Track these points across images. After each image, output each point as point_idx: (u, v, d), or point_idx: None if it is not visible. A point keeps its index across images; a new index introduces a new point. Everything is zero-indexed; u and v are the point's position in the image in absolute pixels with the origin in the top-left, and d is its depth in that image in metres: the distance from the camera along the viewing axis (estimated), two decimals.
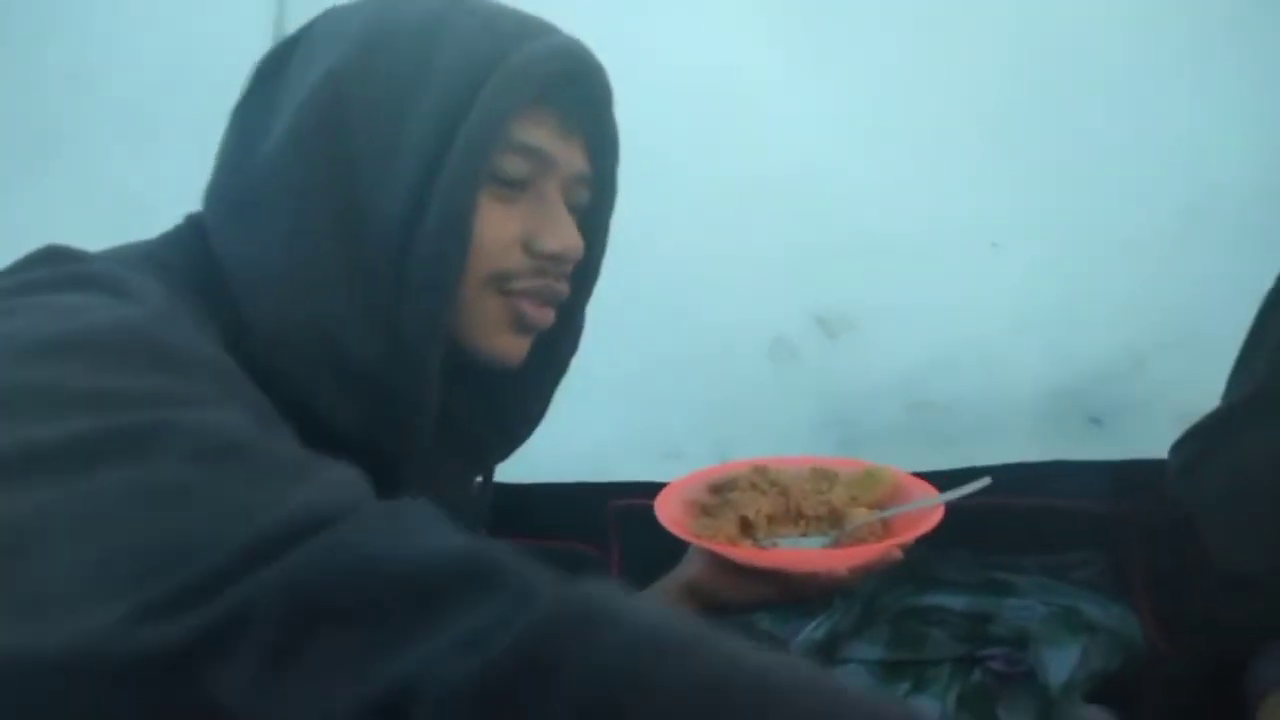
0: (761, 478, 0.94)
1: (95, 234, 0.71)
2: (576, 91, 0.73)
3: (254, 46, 0.76)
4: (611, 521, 1.51)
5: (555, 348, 0.81)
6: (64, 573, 0.43)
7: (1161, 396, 1.43)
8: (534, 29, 0.72)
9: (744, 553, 0.84)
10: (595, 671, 0.40)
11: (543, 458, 0.88)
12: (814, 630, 1.48)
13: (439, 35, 0.69)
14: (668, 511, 0.89)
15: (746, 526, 0.88)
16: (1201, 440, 1.04)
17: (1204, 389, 1.10)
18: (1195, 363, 1.39)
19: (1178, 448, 1.07)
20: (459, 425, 0.77)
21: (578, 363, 0.85)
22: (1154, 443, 1.31)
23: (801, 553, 0.85)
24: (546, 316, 0.75)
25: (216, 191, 0.72)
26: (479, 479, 0.86)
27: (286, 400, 0.66)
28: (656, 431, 1.51)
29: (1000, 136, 1.46)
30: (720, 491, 0.94)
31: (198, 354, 0.56)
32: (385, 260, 0.67)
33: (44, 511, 0.45)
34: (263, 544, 0.44)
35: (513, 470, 0.85)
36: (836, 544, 0.86)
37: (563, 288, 0.76)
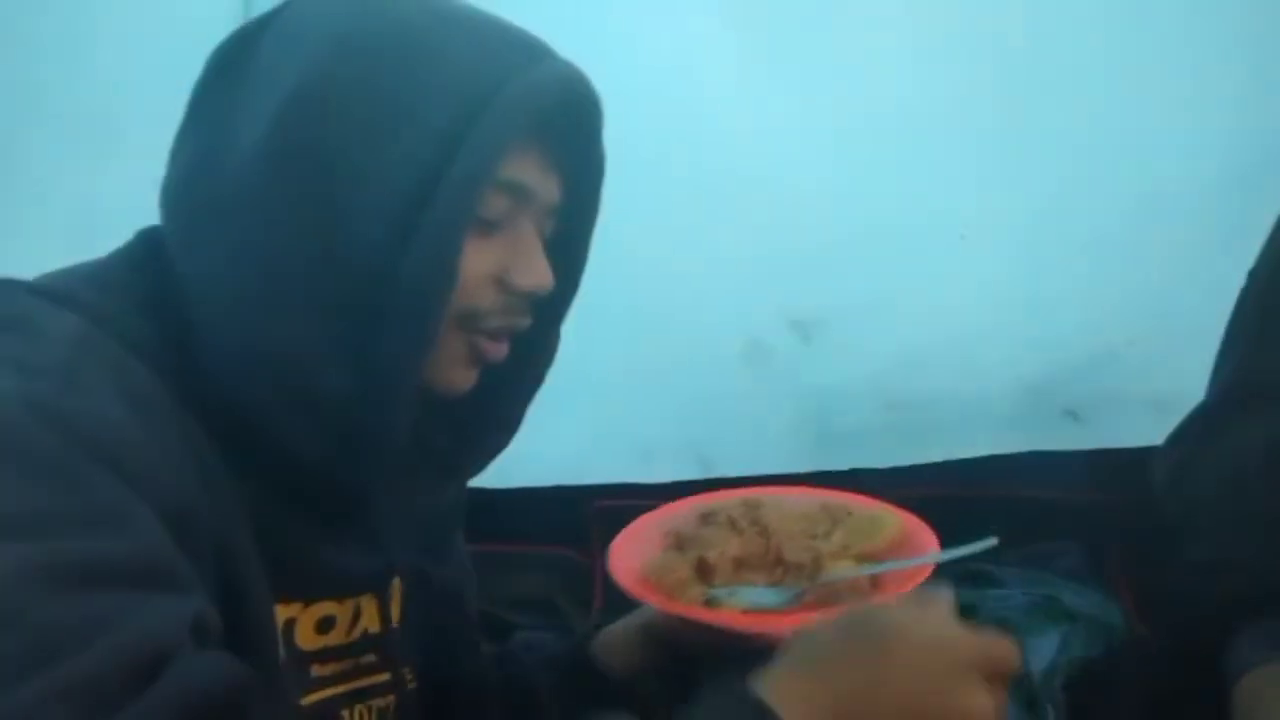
0: (746, 513, 0.87)
1: (52, 248, 0.70)
2: (567, 123, 0.71)
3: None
4: (593, 524, 1.51)
5: (529, 368, 0.79)
6: None
7: (1135, 387, 1.44)
8: (529, 53, 0.69)
9: (675, 608, 0.78)
10: None
11: (520, 462, 0.87)
12: None
13: (427, 54, 0.65)
14: (637, 540, 0.84)
15: (705, 570, 0.81)
16: (1190, 441, 1.04)
17: (1177, 378, 1.11)
18: (1167, 352, 1.40)
19: (1167, 452, 1.07)
20: (427, 445, 0.76)
21: (554, 366, 0.84)
22: (1129, 434, 1.32)
23: (738, 615, 0.77)
24: (501, 351, 0.73)
25: (177, 197, 0.68)
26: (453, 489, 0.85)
27: (244, 426, 0.64)
28: (634, 434, 1.51)
29: (964, 131, 1.48)
30: (703, 521, 0.88)
31: (58, 447, 0.53)
32: (361, 290, 0.64)
33: None
34: None
35: (490, 475, 0.84)
36: (801, 599, 0.79)
37: (525, 321, 0.74)
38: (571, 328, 0.85)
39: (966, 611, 1.56)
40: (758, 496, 0.90)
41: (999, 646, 0.63)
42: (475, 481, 0.85)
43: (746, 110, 1.50)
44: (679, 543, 0.86)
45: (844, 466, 1.48)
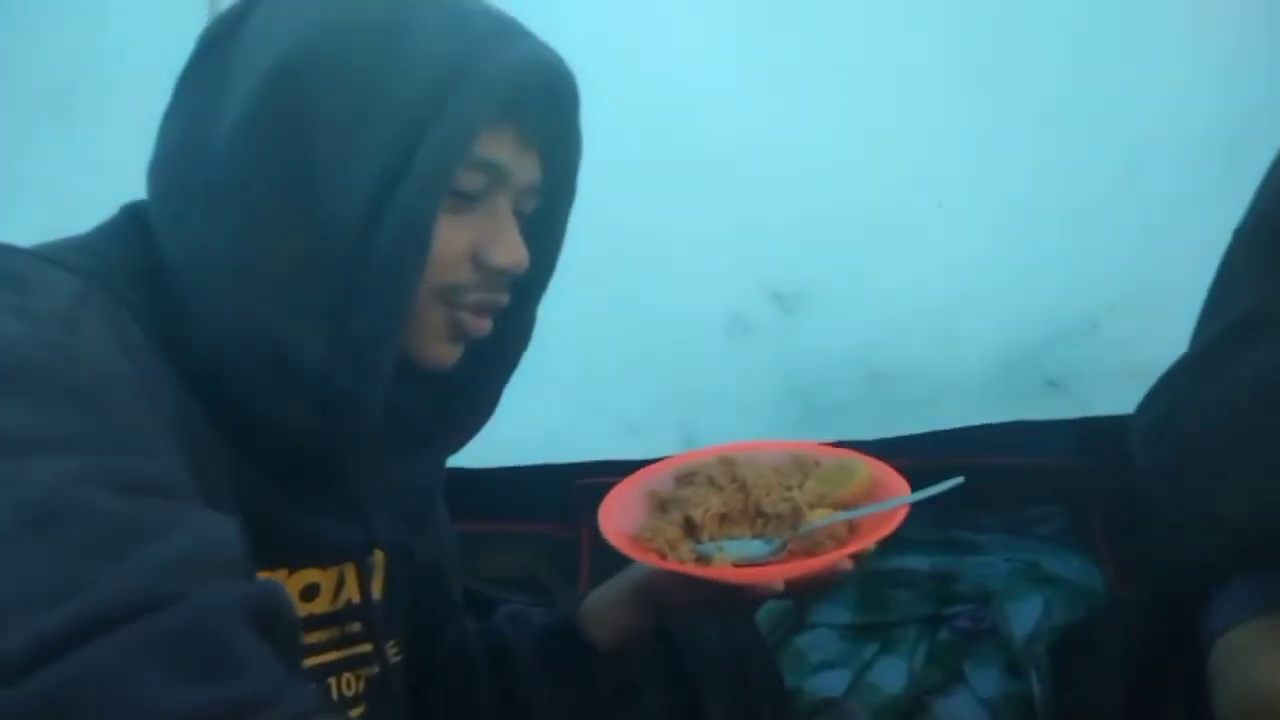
0: (724, 470, 0.89)
1: (24, 229, 0.70)
2: (544, 102, 0.72)
3: (186, 33, 0.74)
4: (579, 501, 1.51)
5: (506, 346, 0.81)
6: None
7: (1116, 356, 1.45)
8: (504, 31, 0.70)
9: (671, 565, 0.80)
10: None
11: (505, 440, 0.87)
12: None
13: (405, 30, 0.67)
14: (620, 506, 0.86)
15: (691, 528, 0.84)
16: (1172, 390, 1.04)
17: (1158, 347, 1.11)
18: (1148, 321, 1.41)
19: (1147, 404, 1.07)
20: (406, 419, 0.77)
21: (535, 342, 0.84)
22: (1111, 403, 1.33)
23: (732, 569, 0.80)
24: (484, 326, 0.75)
25: (162, 173, 0.70)
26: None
27: (227, 395, 0.66)
28: (618, 411, 1.51)
29: (941, 100, 1.48)
30: (682, 482, 0.90)
31: (77, 378, 0.55)
32: (338, 262, 0.66)
33: None
34: (39, 646, 0.43)
35: (475, 454, 0.85)
36: (785, 548, 0.82)
37: (503, 298, 0.76)
38: (554, 305, 0.85)
39: (949, 578, 1.58)
40: (731, 454, 0.92)
41: None
42: (460, 460, 0.86)
43: (725, 85, 1.49)
44: (662, 504, 0.88)
45: (828, 439, 1.49)
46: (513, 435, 0.89)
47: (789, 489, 0.87)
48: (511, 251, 0.73)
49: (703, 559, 0.81)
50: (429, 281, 0.69)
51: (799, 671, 1.39)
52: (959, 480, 0.84)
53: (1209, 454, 0.99)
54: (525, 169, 0.73)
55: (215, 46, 0.70)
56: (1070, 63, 1.50)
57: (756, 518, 0.85)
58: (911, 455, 1.50)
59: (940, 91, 1.49)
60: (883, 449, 1.45)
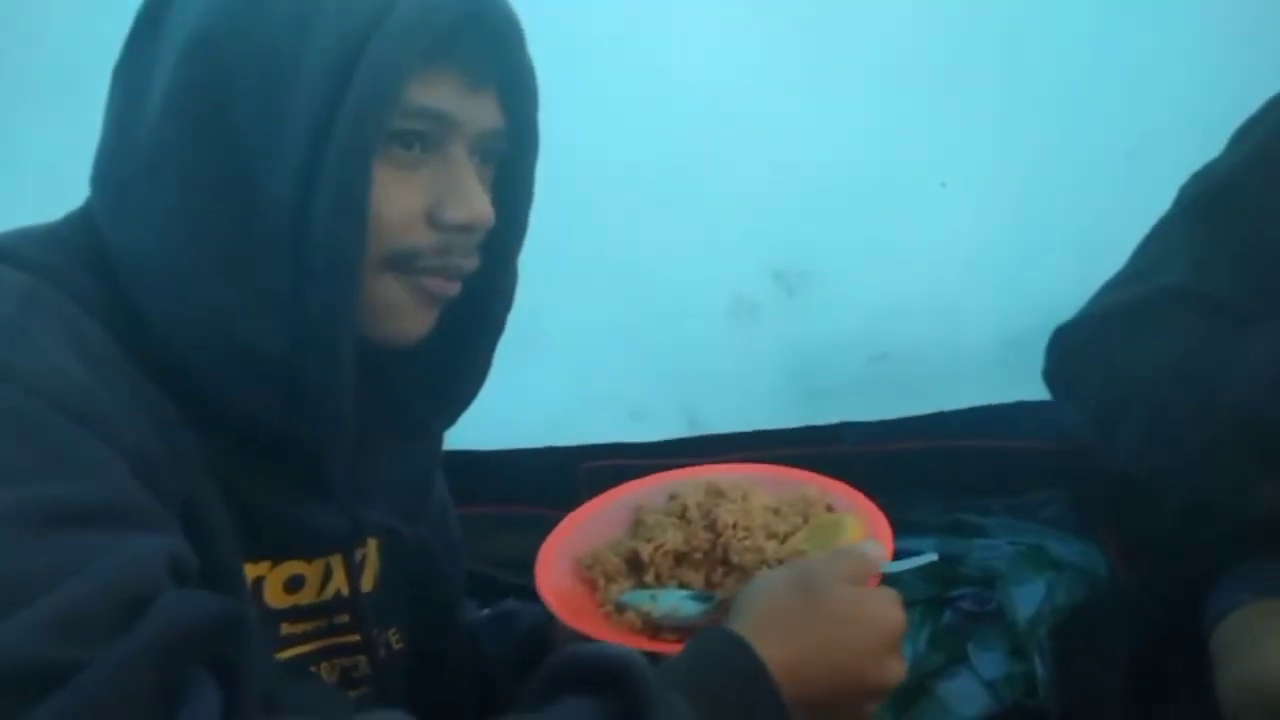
0: (704, 502, 0.79)
1: (22, 214, 0.69)
2: (480, 38, 0.66)
3: None
4: (582, 485, 1.51)
5: (487, 309, 0.75)
6: None
7: None
8: None
9: (564, 618, 0.72)
10: None
11: (508, 423, 0.87)
12: None
13: None
14: (601, 517, 0.80)
15: (636, 564, 0.76)
16: (1094, 341, 1.07)
17: None
18: None
19: (1068, 346, 1.09)
20: (389, 396, 0.74)
21: (537, 326, 0.83)
22: None
23: (625, 634, 0.71)
24: (452, 288, 0.70)
25: (100, 168, 0.67)
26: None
27: (190, 392, 0.64)
28: (622, 393, 1.51)
29: (944, 79, 1.47)
30: (670, 502, 0.81)
31: (17, 398, 0.53)
32: (279, 242, 0.61)
33: None
34: None
35: (479, 437, 0.84)
36: (718, 609, 0.72)
37: (470, 263, 0.70)
38: (557, 289, 0.84)
39: (954, 561, 1.58)
40: (723, 484, 0.82)
41: (903, 618, 0.67)
42: (464, 443, 0.84)
43: (728, 67, 1.48)
44: (635, 526, 0.81)
45: (831, 420, 1.49)
46: (516, 418, 0.89)
47: (772, 536, 0.77)
48: (471, 204, 0.67)
49: (620, 607, 0.74)
50: (378, 249, 0.64)
51: None
52: (933, 557, 0.83)
53: (1125, 422, 1.01)
54: (478, 113, 0.67)
55: (141, 31, 0.67)
56: (1075, 44, 1.49)
57: (719, 565, 0.76)
58: (915, 437, 1.51)
59: (944, 72, 1.49)
60: (885, 431, 1.46)
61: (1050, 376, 1.13)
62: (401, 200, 0.65)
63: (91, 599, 0.47)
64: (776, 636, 0.61)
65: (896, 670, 0.65)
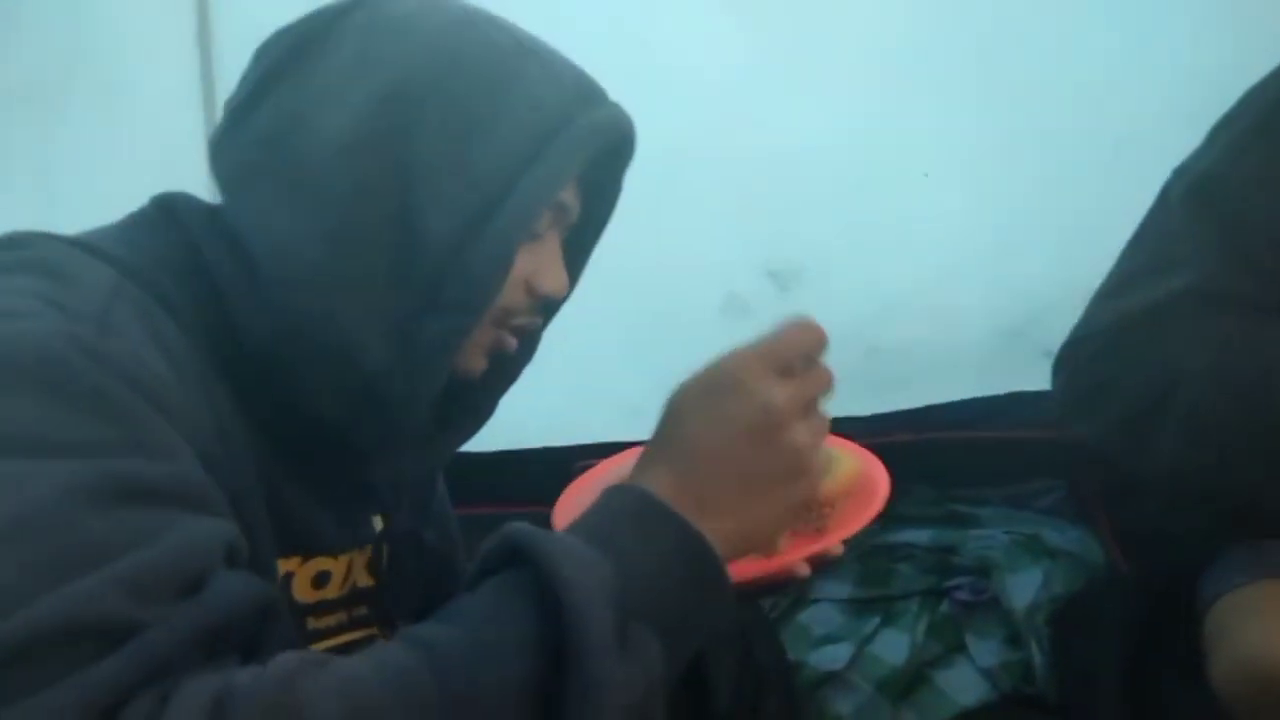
0: None
1: (10, 222, 0.70)
2: (608, 157, 0.79)
3: (174, 30, 0.74)
4: None
5: (512, 362, 0.83)
6: None
7: None
8: (593, 93, 0.76)
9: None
10: None
11: (504, 424, 0.88)
12: None
13: (514, 77, 0.72)
14: (584, 491, 0.83)
15: None
16: (1105, 352, 1.06)
17: None
18: None
19: (1075, 363, 1.08)
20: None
21: None
22: None
23: (760, 562, 0.71)
24: (514, 344, 0.80)
25: (243, 164, 0.72)
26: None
27: (264, 383, 0.70)
28: (617, 394, 1.52)
29: (933, 70, 1.48)
30: None
31: (100, 377, 0.57)
32: (422, 278, 0.69)
33: None
34: None
35: (475, 438, 0.85)
36: None
37: (539, 320, 0.81)
38: None
39: (949, 551, 1.59)
40: None
41: (819, 383, 0.66)
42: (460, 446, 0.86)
43: (715, 67, 1.49)
44: None
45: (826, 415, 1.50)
46: (512, 419, 0.89)
47: None
48: (559, 281, 0.78)
49: None
50: (494, 303, 0.73)
51: (802, 646, 1.40)
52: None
53: (1163, 429, 1.00)
54: (576, 208, 0.79)
55: (306, 49, 0.73)
56: (1062, 33, 1.50)
57: None
58: (910, 430, 1.51)
59: (933, 65, 1.50)
60: (881, 424, 1.47)
61: (1062, 395, 1.11)
62: (519, 266, 0.74)
63: (156, 570, 0.52)
64: (662, 463, 0.63)
65: (790, 446, 0.63)
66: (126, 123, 1.36)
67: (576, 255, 0.84)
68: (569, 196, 0.77)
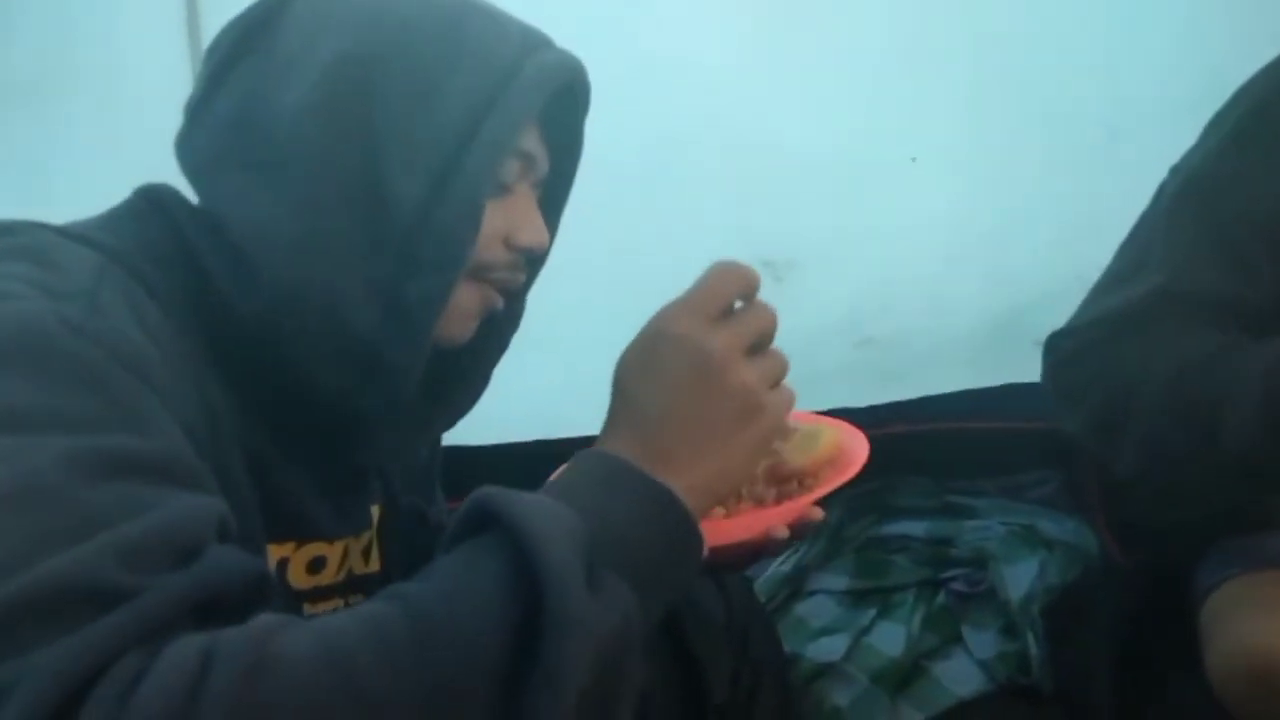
0: None
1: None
2: (564, 104, 0.79)
3: (159, 24, 0.74)
4: None
5: (499, 328, 0.84)
6: None
7: None
8: (538, 40, 0.77)
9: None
10: None
11: (498, 418, 0.88)
12: (781, 564, 1.51)
13: (462, 32, 0.73)
14: None
15: None
16: (1094, 350, 1.06)
17: None
18: None
19: (1069, 352, 1.08)
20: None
21: (528, 320, 0.85)
22: None
23: (733, 522, 0.75)
24: (499, 302, 0.80)
25: (212, 152, 0.73)
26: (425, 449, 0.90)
27: (256, 362, 0.70)
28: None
29: (926, 61, 1.48)
30: None
31: (91, 355, 0.58)
32: (396, 237, 0.70)
33: None
34: None
35: (470, 432, 0.85)
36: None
37: (522, 277, 0.81)
38: (544, 281, 0.86)
39: (945, 543, 1.59)
40: None
41: (757, 320, 0.65)
42: (456, 438, 0.86)
43: (709, 59, 1.49)
44: None
45: (819, 407, 1.50)
46: (507, 412, 0.90)
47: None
48: (538, 233, 0.79)
49: None
50: (470, 259, 0.74)
51: (799, 638, 1.40)
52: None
53: (1125, 436, 1.00)
54: (543, 161, 0.80)
55: (257, 32, 0.74)
56: (1055, 20, 1.50)
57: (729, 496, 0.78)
58: (904, 421, 1.51)
59: (926, 55, 1.49)
60: (875, 416, 1.47)
61: (1047, 383, 1.12)
62: (492, 221, 0.75)
63: (149, 539, 0.53)
64: (621, 429, 0.65)
65: (738, 386, 0.63)
66: (117, 115, 1.36)
67: (551, 211, 0.84)
68: (533, 145, 0.77)
